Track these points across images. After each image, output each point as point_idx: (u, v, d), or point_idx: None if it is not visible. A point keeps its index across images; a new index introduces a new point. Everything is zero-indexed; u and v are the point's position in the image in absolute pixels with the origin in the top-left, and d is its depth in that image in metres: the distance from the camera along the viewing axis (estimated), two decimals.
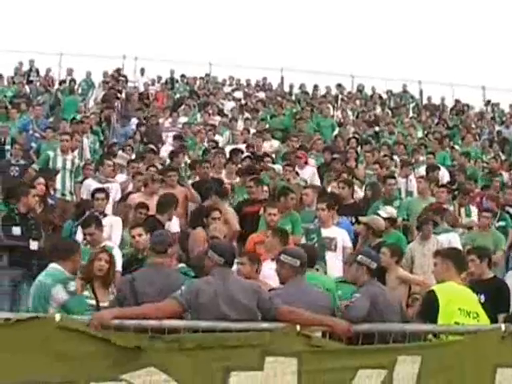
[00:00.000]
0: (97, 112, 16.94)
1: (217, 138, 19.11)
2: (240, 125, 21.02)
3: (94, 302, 7.67)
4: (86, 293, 7.74)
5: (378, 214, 11.43)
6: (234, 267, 8.16)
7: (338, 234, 10.57)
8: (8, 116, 18.95)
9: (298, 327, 5.82)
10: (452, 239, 11.29)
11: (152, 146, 16.22)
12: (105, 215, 10.67)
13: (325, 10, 38.74)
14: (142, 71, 27.97)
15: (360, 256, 6.94)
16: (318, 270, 9.72)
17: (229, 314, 5.88)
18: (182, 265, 8.23)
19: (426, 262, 10.03)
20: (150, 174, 12.70)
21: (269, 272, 8.93)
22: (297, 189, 12.58)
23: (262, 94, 26.94)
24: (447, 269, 6.97)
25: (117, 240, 10.14)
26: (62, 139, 13.94)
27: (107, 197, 10.99)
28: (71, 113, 20.88)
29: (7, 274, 9.48)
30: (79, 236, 10.30)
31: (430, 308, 6.57)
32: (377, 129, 21.95)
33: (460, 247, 10.18)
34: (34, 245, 9.61)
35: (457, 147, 19.88)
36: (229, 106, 24.68)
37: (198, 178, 13.88)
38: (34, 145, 16.74)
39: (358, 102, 27.20)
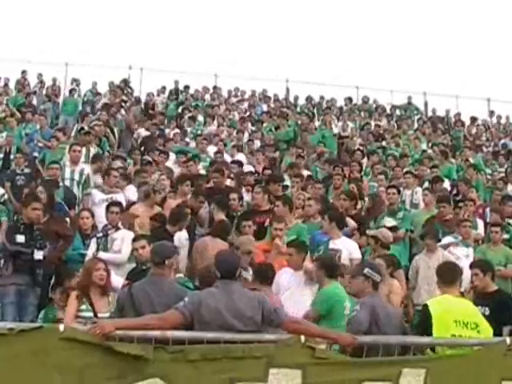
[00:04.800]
0: (100, 124, 16.93)
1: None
2: (245, 136, 21.07)
3: (91, 314, 7.68)
4: (83, 306, 7.76)
5: (384, 226, 11.54)
6: None
7: (344, 245, 10.58)
8: (10, 126, 18.98)
9: (303, 339, 5.80)
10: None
11: (149, 158, 16.15)
12: (118, 228, 10.67)
13: (330, 22, 38.82)
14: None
15: (367, 269, 6.98)
16: None
17: (233, 325, 5.89)
18: (179, 275, 8.22)
19: (431, 274, 10.03)
20: (151, 185, 12.73)
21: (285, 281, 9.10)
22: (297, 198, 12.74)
23: (264, 107, 26.95)
24: (439, 283, 7.09)
25: (127, 253, 10.12)
26: (74, 149, 13.80)
27: (122, 210, 10.95)
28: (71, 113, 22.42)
29: (13, 284, 9.55)
30: (93, 247, 10.37)
31: (424, 322, 6.67)
32: (384, 143, 21.94)
33: None
34: (38, 254, 9.65)
35: (470, 159, 19.76)
36: (234, 117, 24.76)
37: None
38: (36, 154, 16.74)
39: (362, 113, 27.20)
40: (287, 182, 15.25)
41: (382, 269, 9.62)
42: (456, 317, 6.59)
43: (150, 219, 11.09)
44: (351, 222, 11.87)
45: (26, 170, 14.69)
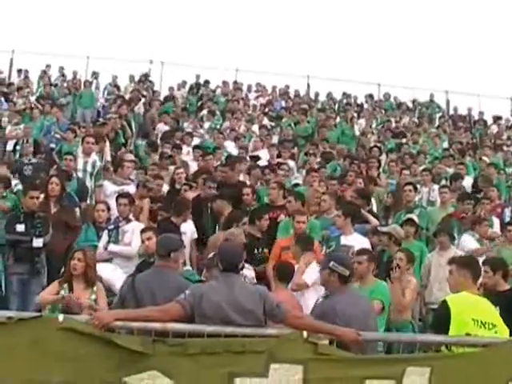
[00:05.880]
0: (115, 117, 16.96)
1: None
2: (263, 132, 20.97)
3: None
4: (62, 292, 7.80)
5: (408, 219, 11.48)
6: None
7: (357, 241, 10.48)
8: (32, 117, 19.05)
9: (305, 334, 5.71)
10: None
11: (167, 152, 16.14)
12: (128, 220, 10.65)
13: (352, 19, 38.68)
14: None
15: (332, 262, 6.79)
16: None
17: (234, 320, 5.81)
18: (187, 268, 8.17)
19: (442, 273, 9.91)
20: (145, 178, 12.79)
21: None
22: (313, 194, 12.69)
23: (283, 103, 26.87)
24: (464, 279, 6.85)
25: (137, 245, 10.04)
26: (87, 141, 13.85)
27: (130, 202, 10.88)
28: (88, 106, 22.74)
29: (15, 274, 9.70)
30: (104, 239, 10.35)
31: (441, 319, 6.43)
32: (403, 140, 21.74)
33: None
34: (37, 242, 9.80)
35: (485, 158, 19.56)
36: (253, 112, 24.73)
37: None
38: (53, 145, 16.76)
39: (383, 111, 27.07)
40: (299, 180, 15.19)
41: (402, 263, 9.57)
42: (474, 315, 6.39)
43: (157, 210, 11.19)
44: (373, 220, 11.80)
45: (34, 160, 14.77)
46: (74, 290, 7.86)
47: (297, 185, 14.75)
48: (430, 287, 10.65)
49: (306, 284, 9.30)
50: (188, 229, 11.01)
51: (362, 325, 6.22)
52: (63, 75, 26.97)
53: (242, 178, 14.40)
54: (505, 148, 22.73)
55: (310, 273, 9.44)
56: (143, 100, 23.19)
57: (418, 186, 14.51)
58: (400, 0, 39.60)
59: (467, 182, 16.20)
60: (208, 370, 5.56)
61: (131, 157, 14.52)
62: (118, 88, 25.72)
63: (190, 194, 12.41)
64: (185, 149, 17.43)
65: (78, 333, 5.51)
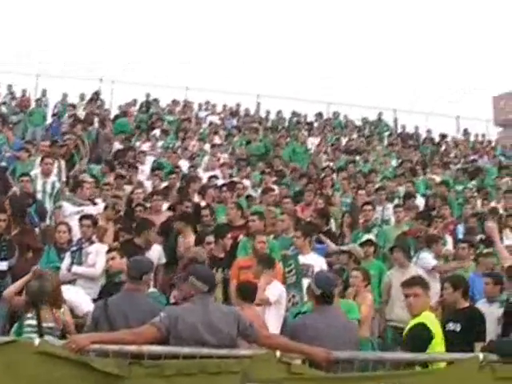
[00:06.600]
0: (73, 138, 16.84)
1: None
2: (215, 151, 21.00)
3: (34, 321, 7.67)
4: (29, 314, 7.76)
5: (367, 240, 11.64)
6: None
7: (316, 261, 10.65)
8: None
9: (279, 354, 5.80)
10: None
11: (121, 172, 16.14)
12: (92, 242, 10.65)
13: (301, 39, 39.12)
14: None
15: (310, 280, 6.99)
16: (294, 296, 9.88)
17: (208, 340, 5.86)
18: (152, 289, 8.21)
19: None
20: (112, 201, 12.82)
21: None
22: (268, 214, 12.72)
23: (234, 121, 26.99)
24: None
25: (101, 267, 10.08)
26: (46, 162, 13.77)
27: (93, 223, 10.91)
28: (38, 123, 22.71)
29: None
30: (66, 261, 10.30)
31: (424, 341, 6.67)
32: (357, 157, 21.98)
33: None
34: (2, 265, 9.74)
35: (435, 176, 19.83)
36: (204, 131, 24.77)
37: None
38: (4, 164, 16.52)
39: (333, 129, 27.34)
40: (252, 192, 15.47)
41: (358, 281, 9.79)
42: (441, 334, 6.82)
43: (119, 230, 11.26)
44: (331, 244, 11.93)
45: None
46: (41, 314, 7.82)
47: (250, 196, 14.93)
48: (391, 304, 10.71)
49: (268, 300, 9.40)
50: (154, 255, 10.85)
51: (336, 342, 6.35)
52: (12, 93, 26.70)
53: (196, 197, 14.51)
54: (451, 166, 23.15)
55: (273, 290, 9.55)
56: (96, 119, 23.08)
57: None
58: (347, 20, 40.20)
59: (418, 201, 16.43)
60: None
61: (88, 177, 14.46)
62: (74, 107, 25.39)
63: (154, 217, 12.40)
64: (139, 167, 17.42)
65: (52, 356, 5.50)
